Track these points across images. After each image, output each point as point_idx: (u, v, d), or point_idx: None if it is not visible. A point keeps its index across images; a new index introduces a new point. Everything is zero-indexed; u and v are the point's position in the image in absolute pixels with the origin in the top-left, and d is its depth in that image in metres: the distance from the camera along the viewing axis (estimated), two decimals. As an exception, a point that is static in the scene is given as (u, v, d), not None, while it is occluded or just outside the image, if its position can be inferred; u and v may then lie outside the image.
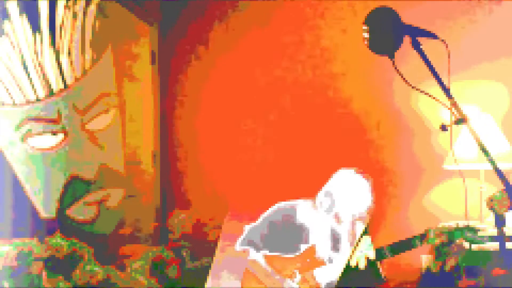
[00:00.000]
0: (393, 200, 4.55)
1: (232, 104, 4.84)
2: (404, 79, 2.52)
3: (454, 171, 4.31)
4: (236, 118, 4.84)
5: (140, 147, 4.66)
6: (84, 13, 4.24)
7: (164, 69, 4.90)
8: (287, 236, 3.88)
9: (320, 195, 3.90)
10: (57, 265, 3.51)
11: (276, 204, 3.95)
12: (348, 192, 3.82)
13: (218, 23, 4.90)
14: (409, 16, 2.58)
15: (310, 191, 3.95)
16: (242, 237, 3.96)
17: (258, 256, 3.88)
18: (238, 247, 3.95)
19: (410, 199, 4.60)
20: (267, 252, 3.88)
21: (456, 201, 4.25)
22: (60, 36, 4.13)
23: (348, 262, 3.63)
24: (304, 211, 3.89)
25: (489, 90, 4.52)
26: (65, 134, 4.19)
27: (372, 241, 3.91)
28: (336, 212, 3.85)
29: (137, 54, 4.68)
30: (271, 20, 4.82)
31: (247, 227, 3.95)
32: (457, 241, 3.58)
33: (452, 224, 4.11)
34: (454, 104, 2.43)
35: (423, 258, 4.24)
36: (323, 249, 3.83)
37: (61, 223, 4.10)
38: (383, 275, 3.56)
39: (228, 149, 4.83)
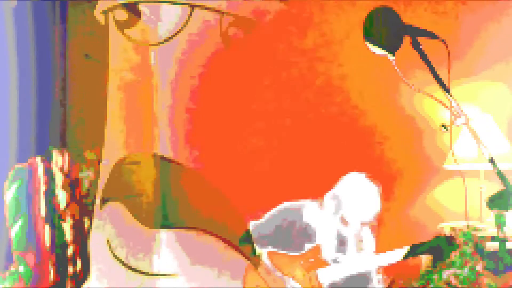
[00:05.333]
0: (395, 199, 4.56)
1: (234, 103, 4.84)
2: (404, 79, 2.52)
3: (454, 171, 4.32)
4: (238, 117, 4.84)
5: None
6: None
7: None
8: (292, 235, 3.89)
9: (328, 197, 3.89)
10: None
11: (282, 203, 3.95)
12: (356, 197, 3.81)
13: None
14: (409, 16, 2.59)
15: (314, 192, 3.96)
16: (246, 232, 3.97)
17: (262, 252, 3.89)
18: (241, 242, 3.96)
19: (412, 198, 4.61)
20: (270, 249, 3.89)
21: (457, 201, 4.25)
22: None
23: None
24: (310, 211, 3.90)
25: (489, 90, 4.52)
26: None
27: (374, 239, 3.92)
28: (343, 215, 3.84)
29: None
30: (276, 22, 4.82)
31: (252, 223, 3.96)
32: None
33: (453, 224, 4.13)
34: (454, 104, 2.43)
35: (423, 258, 4.24)
36: (328, 250, 3.83)
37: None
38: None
39: (228, 149, 4.83)
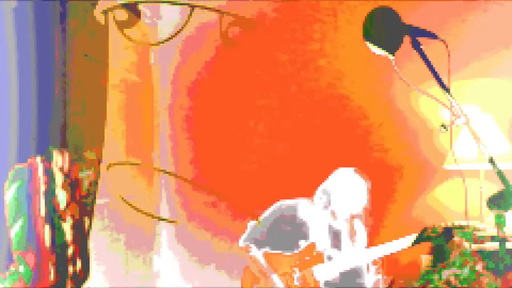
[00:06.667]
0: (394, 200, 4.56)
1: (232, 103, 4.84)
2: (403, 79, 2.52)
3: (454, 171, 4.31)
4: (236, 117, 4.84)
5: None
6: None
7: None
8: (288, 234, 3.90)
9: (318, 192, 3.93)
10: None
11: (277, 202, 3.97)
12: (344, 190, 3.86)
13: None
14: (408, 15, 2.59)
15: (312, 192, 3.97)
16: (245, 233, 3.98)
17: (258, 254, 3.89)
18: (241, 243, 3.97)
19: (412, 198, 4.60)
20: (267, 250, 3.89)
21: (457, 201, 4.25)
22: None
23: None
24: (305, 209, 3.92)
25: (489, 90, 4.51)
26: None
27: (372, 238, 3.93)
28: (333, 210, 3.88)
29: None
30: (273, 22, 4.82)
31: (250, 224, 3.98)
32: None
33: (453, 224, 4.12)
34: (454, 104, 2.43)
35: (423, 258, 4.24)
36: (323, 247, 3.85)
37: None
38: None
39: (228, 149, 4.83)
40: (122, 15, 4.52)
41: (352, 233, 3.94)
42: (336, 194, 3.87)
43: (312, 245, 3.82)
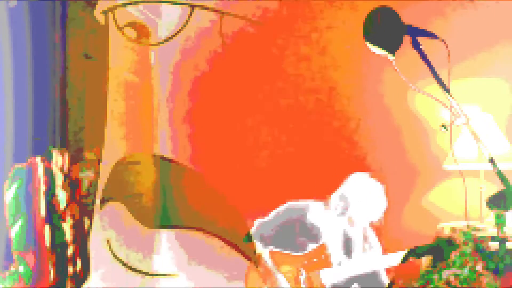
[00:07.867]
0: (394, 199, 4.55)
1: (234, 103, 4.84)
2: (404, 79, 2.52)
3: (454, 171, 4.31)
4: (238, 118, 4.84)
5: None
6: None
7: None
8: (297, 235, 3.89)
9: (334, 198, 3.90)
10: None
11: (287, 203, 3.96)
12: (363, 197, 3.82)
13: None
14: (407, 15, 2.59)
15: (310, 193, 3.96)
16: (251, 230, 3.97)
17: (264, 252, 3.89)
18: (246, 240, 3.96)
19: (410, 199, 4.60)
20: (273, 249, 3.89)
21: (456, 201, 4.25)
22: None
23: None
24: (315, 212, 3.90)
25: (489, 90, 4.51)
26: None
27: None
28: (351, 216, 3.85)
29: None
30: (270, 23, 4.82)
31: (257, 222, 3.96)
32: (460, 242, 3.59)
33: (453, 224, 4.13)
34: (454, 104, 2.43)
35: (423, 258, 4.24)
36: (334, 251, 3.84)
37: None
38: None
39: (229, 149, 4.82)
40: (122, 15, 4.53)
41: (365, 240, 3.92)
42: (354, 200, 3.83)
43: (321, 248, 3.81)
